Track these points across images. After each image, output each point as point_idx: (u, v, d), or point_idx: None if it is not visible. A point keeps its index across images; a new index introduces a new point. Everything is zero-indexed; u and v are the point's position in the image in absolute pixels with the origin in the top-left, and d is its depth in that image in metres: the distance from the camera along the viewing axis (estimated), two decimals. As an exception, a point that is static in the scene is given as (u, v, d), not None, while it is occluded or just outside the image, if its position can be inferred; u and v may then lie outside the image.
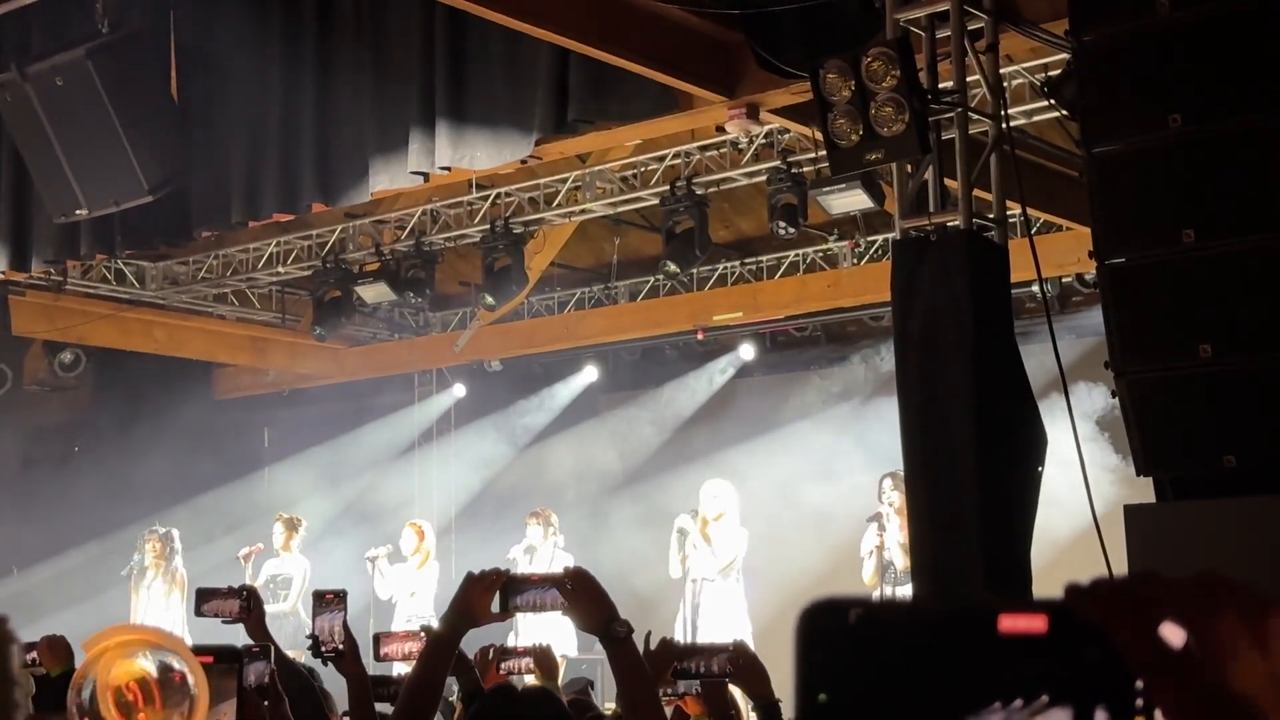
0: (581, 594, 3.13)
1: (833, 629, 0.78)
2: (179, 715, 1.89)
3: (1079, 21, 5.20)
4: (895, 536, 9.54)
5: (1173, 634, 0.78)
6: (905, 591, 9.34)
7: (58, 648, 4.84)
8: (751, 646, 4.16)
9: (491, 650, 4.28)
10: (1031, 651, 0.76)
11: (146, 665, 1.89)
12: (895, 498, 9.63)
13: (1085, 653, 0.76)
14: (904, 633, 0.78)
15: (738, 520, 10.63)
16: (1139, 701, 0.76)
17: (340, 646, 3.94)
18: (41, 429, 15.03)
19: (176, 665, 1.91)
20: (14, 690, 0.97)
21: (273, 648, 4.27)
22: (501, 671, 4.60)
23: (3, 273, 10.49)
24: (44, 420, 15.41)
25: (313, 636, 4.01)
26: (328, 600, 4.03)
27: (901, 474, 9.52)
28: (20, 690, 0.98)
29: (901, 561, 9.45)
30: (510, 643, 6.77)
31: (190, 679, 1.90)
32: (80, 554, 13.78)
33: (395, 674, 5.39)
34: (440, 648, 3.23)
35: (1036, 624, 0.76)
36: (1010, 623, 0.76)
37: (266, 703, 3.51)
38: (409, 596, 11.87)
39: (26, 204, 9.96)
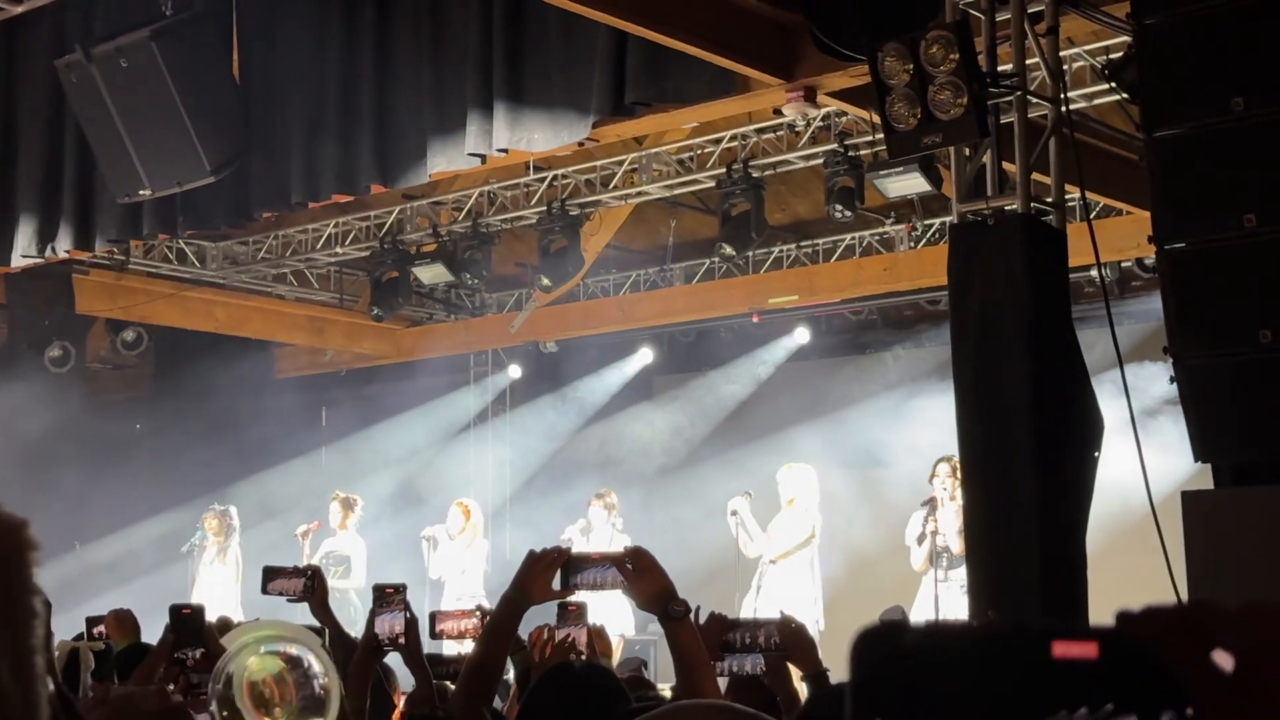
0: (641, 573, 3.16)
1: (888, 652, 0.80)
2: (312, 708, 1.93)
3: (1141, 4, 5.17)
4: (951, 523, 9.47)
5: (1224, 661, 0.80)
6: (960, 575, 9.28)
7: (125, 622, 4.92)
8: (813, 630, 4.18)
9: (547, 629, 4.31)
10: (1085, 676, 0.77)
11: (282, 660, 1.94)
12: (950, 484, 9.56)
13: (1138, 677, 0.78)
14: (958, 656, 0.79)
15: (810, 507, 10.53)
16: None
17: (400, 641, 3.85)
18: (103, 406, 15.23)
19: (311, 661, 1.96)
20: (34, 599, 0.97)
21: (330, 628, 4.32)
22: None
23: (67, 252, 10.63)
24: (106, 398, 15.63)
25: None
26: (387, 595, 3.91)
27: (957, 459, 9.51)
28: (40, 600, 0.98)
29: (956, 546, 9.39)
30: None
31: (323, 674, 1.95)
32: (141, 531, 13.97)
33: (447, 654, 5.43)
34: (501, 626, 3.27)
35: (1088, 650, 0.78)
36: (1063, 649, 0.78)
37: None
38: (459, 574, 11.96)
39: (90, 184, 10.08)
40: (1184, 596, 4.93)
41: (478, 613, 4.68)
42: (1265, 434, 4.90)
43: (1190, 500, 4.97)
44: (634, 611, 10.82)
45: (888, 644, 0.80)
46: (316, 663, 1.95)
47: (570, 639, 3.97)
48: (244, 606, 11.53)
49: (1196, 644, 0.79)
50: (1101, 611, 5.80)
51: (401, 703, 4.36)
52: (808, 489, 10.52)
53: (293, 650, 1.95)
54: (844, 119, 9.92)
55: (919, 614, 9.41)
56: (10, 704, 0.88)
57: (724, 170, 10.77)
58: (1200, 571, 4.82)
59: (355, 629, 10.73)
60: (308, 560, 11.57)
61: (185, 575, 12.85)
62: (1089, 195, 7.44)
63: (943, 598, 9.28)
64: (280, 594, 4.66)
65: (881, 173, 9.34)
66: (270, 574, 4.70)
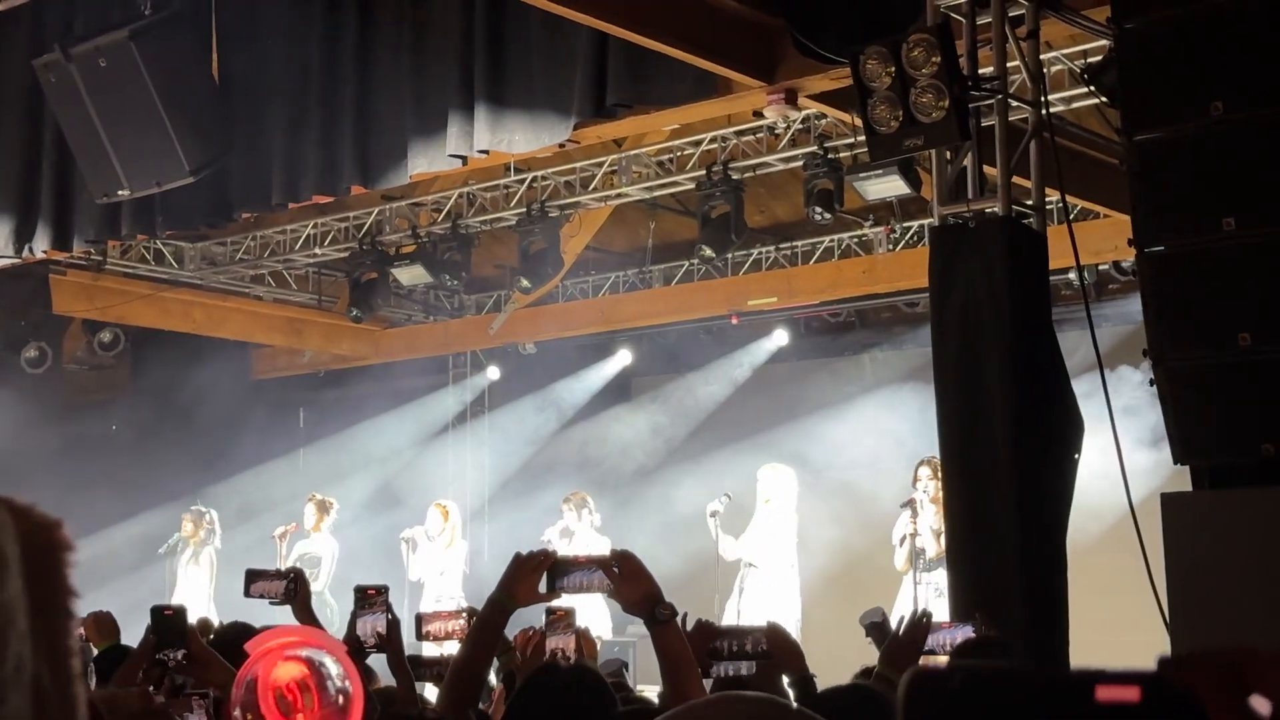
0: (628, 576, 3.17)
1: (936, 694, 0.83)
2: (335, 714, 1.93)
3: (1121, 8, 5.19)
4: (928, 523, 9.51)
5: (1261, 705, 0.81)
6: (934, 578, 9.32)
7: (104, 624, 4.90)
8: (793, 630, 4.18)
9: (533, 631, 4.32)
10: (1127, 719, 0.79)
11: (305, 667, 1.94)
12: (932, 486, 9.59)
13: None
14: (1005, 698, 0.82)
15: (788, 508, 10.56)
16: None
17: (379, 644, 3.84)
18: (80, 407, 15.16)
19: (333, 667, 1.96)
20: (70, 600, 0.96)
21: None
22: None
23: (44, 252, 10.58)
24: (83, 399, 15.56)
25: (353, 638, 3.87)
26: (369, 597, 3.89)
27: (938, 460, 9.54)
28: (76, 601, 0.97)
29: (932, 548, 9.43)
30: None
31: (346, 680, 1.95)
32: (119, 532, 13.90)
33: (427, 655, 5.42)
34: (487, 628, 3.28)
35: (1130, 694, 0.79)
36: (1106, 692, 0.79)
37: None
38: (438, 576, 11.96)
39: (68, 184, 10.04)
40: (1163, 598, 4.95)
41: (464, 614, 4.68)
42: (1243, 437, 4.92)
43: (1169, 503, 4.99)
44: (612, 614, 10.82)
45: (935, 685, 0.83)
46: (336, 666, 1.95)
47: (559, 652, 3.97)
48: (217, 607, 11.49)
49: (1235, 689, 0.80)
50: (1081, 612, 5.84)
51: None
52: (785, 490, 10.56)
53: (318, 657, 1.94)
54: (823, 121, 9.94)
55: (899, 615, 9.43)
56: (49, 707, 0.88)
57: (703, 172, 10.78)
58: (1179, 574, 4.84)
59: (333, 630, 10.72)
60: (284, 561, 11.55)
61: (163, 577, 12.80)
62: (1068, 198, 7.47)
63: (920, 600, 9.31)
64: (262, 596, 4.64)
65: (861, 175, 9.36)
66: (252, 577, 4.68)
